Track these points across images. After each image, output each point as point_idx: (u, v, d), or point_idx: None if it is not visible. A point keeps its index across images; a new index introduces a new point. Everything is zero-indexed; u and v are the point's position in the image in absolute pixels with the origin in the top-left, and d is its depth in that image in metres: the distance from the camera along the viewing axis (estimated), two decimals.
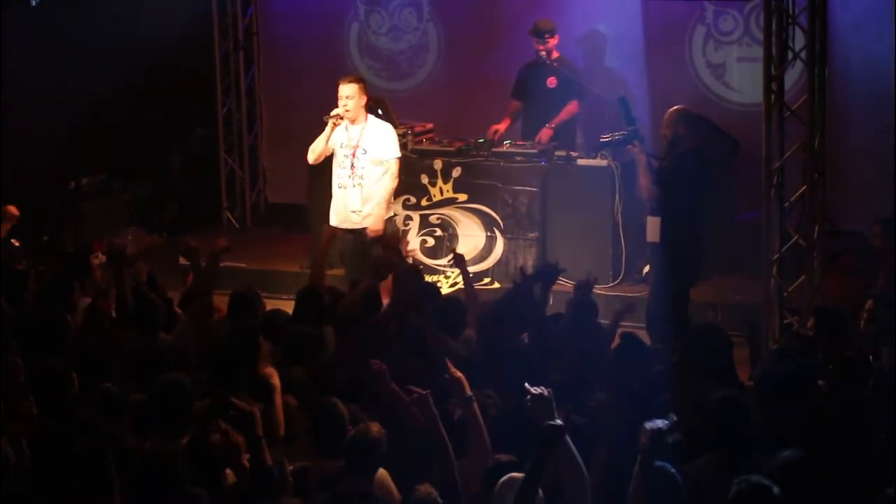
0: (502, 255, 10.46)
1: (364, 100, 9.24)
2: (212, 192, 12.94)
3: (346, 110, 9.15)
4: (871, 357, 6.75)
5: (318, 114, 12.26)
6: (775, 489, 4.81)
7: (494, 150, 10.59)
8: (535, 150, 10.48)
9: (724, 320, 9.12)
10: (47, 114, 11.52)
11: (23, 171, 11.21)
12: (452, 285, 10.27)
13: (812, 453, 5.29)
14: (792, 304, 8.99)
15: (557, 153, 10.45)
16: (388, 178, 9.28)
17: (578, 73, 10.90)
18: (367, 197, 9.26)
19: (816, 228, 8.89)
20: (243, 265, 11.28)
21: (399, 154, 9.37)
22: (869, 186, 10.57)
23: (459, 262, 8.51)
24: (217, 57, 12.75)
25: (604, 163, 10.27)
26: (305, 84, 12.56)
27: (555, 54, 10.74)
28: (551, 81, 10.75)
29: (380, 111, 9.98)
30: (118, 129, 12.41)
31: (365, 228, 9.24)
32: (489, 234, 10.49)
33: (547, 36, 10.64)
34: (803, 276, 8.91)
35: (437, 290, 8.80)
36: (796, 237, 8.87)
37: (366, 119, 9.31)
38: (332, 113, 9.20)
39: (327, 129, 9.23)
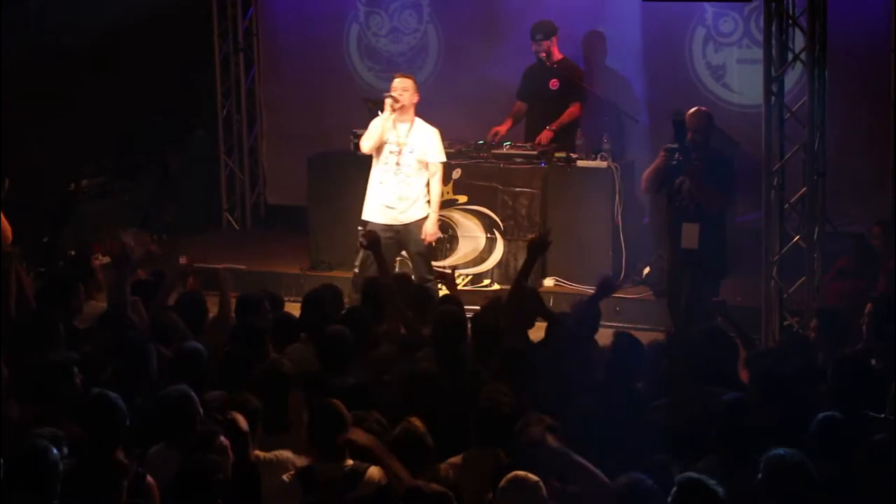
0: (502, 257, 10.46)
1: (416, 98, 9.46)
2: (212, 193, 12.94)
3: (401, 97, 9.35)
4: (871, 359, 6.74)
5: (318, 115, 12.36)
6: (719, 490, 4.84)
7: (494, 151, 10.60)
8: (534, 152, 10.49)
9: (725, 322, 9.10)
10: (47, 115, 11.51)
11: (23, 172, 11.20)
12: None
13: (810, 453, 5.29)
14: (792, 306, 8.98)
15: (557, 155, 10.46)
16: (436, 182, 9.46)
17: (580, 75, 10.91)
18: (404, 195, 9.41)
19: (816, 230, 8.88)
20: (243, 267, 11.27)
21: (444, 159, 9.53)
22: (869, 187, 10.59)
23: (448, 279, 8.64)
24: (217, 58, 12.75)
25: (603, 164, 10.29)
26: (305, 86, 12.57)
27: (557, 56, 10.75)
28: (553, 83, 10.76)
29: (379, 112, 9.98)
30: (118, 131, 12.40)
31: (401, 224, 9.42)
32: (489, 235, 10.50)
33: (539, 37, 10.66)
34: (803, 278, 8.91)
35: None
36: (796, 238, 8.87)
37: (413, 120, 9.47)
38: (389, 94, 9.42)
39: (385, 113, 9.39)
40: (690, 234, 8.73)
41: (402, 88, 9.41)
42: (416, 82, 9.57)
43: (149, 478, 5.45)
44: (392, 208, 9.43)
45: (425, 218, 9.46)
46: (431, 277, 9.39)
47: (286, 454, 5.86)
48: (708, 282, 8.72)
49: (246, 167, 13.03)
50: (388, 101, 9.38)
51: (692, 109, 8.86)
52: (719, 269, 8.81)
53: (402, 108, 9.39)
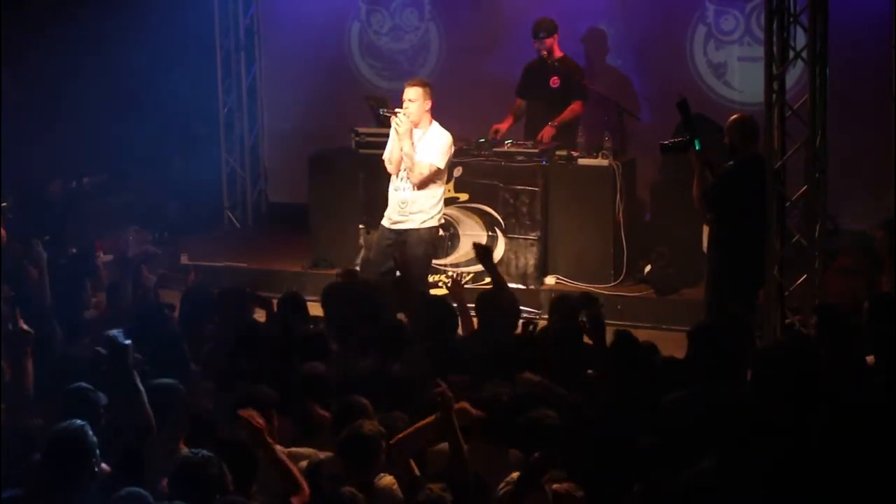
0: (504, 255, 10.45)
1: (428, 104, 9.03)
2: (213, 191, 12.94)
3: (406, 112, 8.96)
4: (872, 357, 6.74)
5: (319, 113, 12.36)
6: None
7: (495, 149, 10.59)
8: (536, 150, 10.49)
9: None
10: (49, 113, 11.52)
11: (24, 171, 11.21)
12: None
13: (809, 451, 5.29)
14: (793, 304, 8.97)
15: (558, 153, 10.46)
16: (425, 172, 9.05)
17: (581, 72, 10.91)
18: (412, 202, 9.08)
19: (818, 227, 8.87)
20: (244, 265, 11.29)
21: (440, 165, 9.06)
22: (870, 185, 10.60)
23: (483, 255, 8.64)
24: (218, 56, 12.76)
25: (605, 162, 10.29)
26: (306, 84, 12.57)
27: (557, 54, 10.75)
28: (554, 81, 10.76)
29: (382, 111, 9.98)
30: (119, 129, 12.40)
31: (404, 230, 9.09)
32: (490, 233, 10.49)
33: (542, 35, 10.65)
34: (805, 276, 8.90)
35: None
36: (798, 236, 8.86)
37: (428, 126, 9.12)
38: (393, 109, 9.09)
39: (391, 133, 9.07)
40: (705, 236, 8.77)
41: (410, 99, 8.99)
42: (426, 87, 9.08)
43: (103, 465, 5.46)
44: (401, 215, 9.11)
45: (430, 228, 9.15)
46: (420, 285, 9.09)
47: (308, 451, 5.88)
48: (731, 291, 8.57)
49: (247, 165, 13.04)
50: (392, 120, 9.01)
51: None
52: (746, 279, 8.47)
53: (413, 123, 8.99)
